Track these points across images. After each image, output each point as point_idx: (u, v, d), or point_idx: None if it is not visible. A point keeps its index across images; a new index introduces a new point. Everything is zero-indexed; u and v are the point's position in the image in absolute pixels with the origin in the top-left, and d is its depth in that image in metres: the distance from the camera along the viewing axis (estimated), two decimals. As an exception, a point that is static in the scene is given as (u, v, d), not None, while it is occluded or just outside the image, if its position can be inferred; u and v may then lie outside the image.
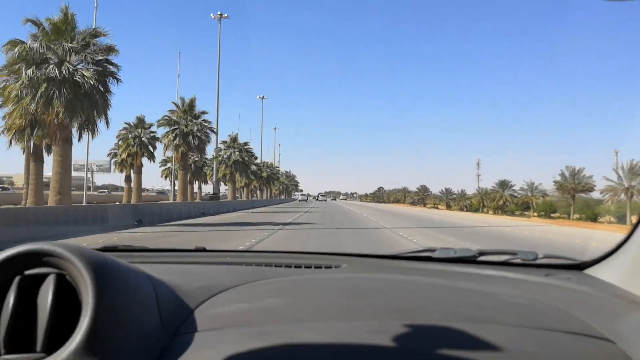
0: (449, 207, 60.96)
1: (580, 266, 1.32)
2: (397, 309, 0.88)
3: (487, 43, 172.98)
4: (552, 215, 34.09)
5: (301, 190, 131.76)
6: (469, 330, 0.77)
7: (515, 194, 45.08)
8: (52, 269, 0.72)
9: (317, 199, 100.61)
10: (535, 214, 36.52)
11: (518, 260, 1.39)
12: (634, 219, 1.14)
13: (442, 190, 69.69)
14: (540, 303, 0.95)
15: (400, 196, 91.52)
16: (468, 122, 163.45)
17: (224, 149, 45.61)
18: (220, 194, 50.43)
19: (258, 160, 57.04)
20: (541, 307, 0.93)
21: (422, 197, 77.80)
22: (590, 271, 1.28)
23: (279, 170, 64.28)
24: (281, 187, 74.69)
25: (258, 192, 63.77)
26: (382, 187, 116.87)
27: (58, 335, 0.67)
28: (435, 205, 67.18)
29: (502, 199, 46.31)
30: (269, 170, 58.46)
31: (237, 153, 46.48)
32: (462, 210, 52.47)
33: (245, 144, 49.18)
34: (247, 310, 0.87)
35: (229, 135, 49.81)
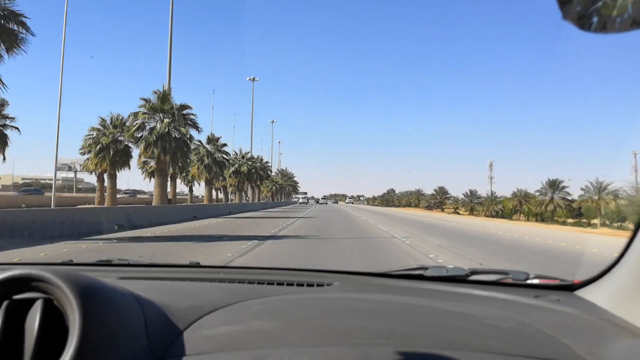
0: (472, 211, 57.01)
1: (571, 287, 1.38)
2: (385, 334, 0.94)
3: (494, 42, 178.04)
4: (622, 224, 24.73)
5: (305, 193, 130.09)
6: (455, 357, 0.81)
7: (568, 197, 35.47)
8: (40, 293, 0.77)
9: (318, 202, 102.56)
10: (597, 221, 26.81)
11: (509, 280, 1.45)
12: (627, 237, 1.14)
13: (466, 193, 58.52)
14: (526, 327, 1.02)
15: (414, 199, 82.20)
16: (480, 122, 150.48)
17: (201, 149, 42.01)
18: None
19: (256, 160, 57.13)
20: (528, 331, 0.99)
21: (440, 200, 68.12)
22: (580, 292, 1.33)
23: (269, 166, 53.82)
24: (274, 188, 67.78)
25: (246, 193, 61.78)
26: (392, 189, 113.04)
27: (46, 359, 0.70)
28: (456, 210, 63.26)
29: (552, 204, 36.17)
30: (249, 163, 49.35)
31: (206, 149, 42.28)
32: (491, 216, 47.83)
33: (218, 139, 45.60)
34: (238, 332, 0.91)
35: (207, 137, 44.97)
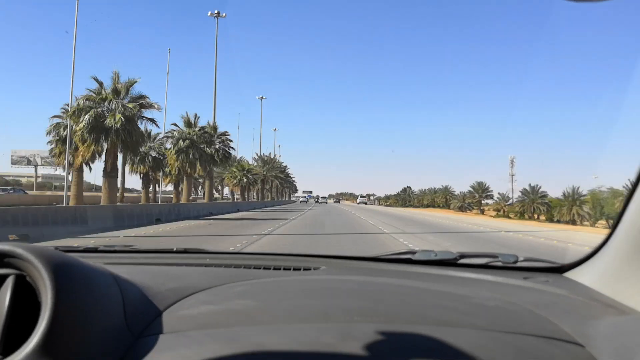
0: (532, 216, 44.50)
1: (560, 269, 1.47)
2: (369, 312, 0.99)
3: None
4: None
5: (310, 192, 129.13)
6: (437, 334, 0.85)
7: None
8: (12, 270, 0.78)
9: (317, 201, 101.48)
10: None
11: (498, 263, 1.54)
12: (612, 221, 1.26)
13: (525, 189, 47.96)
14: (513, 305, 1.08)
15: (440, 198, 63.95)
16: (499, 117, 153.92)
17: (177, 132, 35.42)
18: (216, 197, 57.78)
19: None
20: (514, 310, 1.06)
21: (478, 199, 50.40)
22: (569, 274, 1.43)
23: (229, 142, 40.36)
24: (245, 179, 56.86)
25: (250, 193, 59.98)
26: (408, 187, 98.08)
27: (18, 337, 0.72)
28: (506, 214, 49.18)
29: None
30: (222, 144, 38.26)
31: (188, 140, 34.29)
32: (572, 223, 35.76)
33: (202, 128, 36.91)
34: (216, 312, 0.96)
35: (182, 117, 37.34)
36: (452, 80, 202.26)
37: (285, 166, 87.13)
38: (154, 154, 39.18)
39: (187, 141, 34.37)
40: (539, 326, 0.94)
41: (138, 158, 37.06)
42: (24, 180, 76.62)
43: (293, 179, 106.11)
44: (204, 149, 35.24)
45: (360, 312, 0.98)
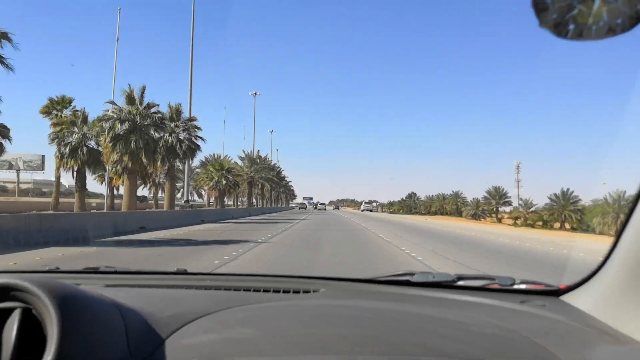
0: (562, 225, 39.57)
1: (557, 292, 1.51)
2: (368, 341, 1.04)
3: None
4: None
5: (310, 198, 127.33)
6: None
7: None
8: (18, 303, 0.82)
9: (316, 208, 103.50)
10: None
11: (496, 286, 1.59)
12: (610, 244, 1.29)
13: (555, 195, 31.22)
14: (510, 333, 1.14)
15: (450, 205, 55.73)
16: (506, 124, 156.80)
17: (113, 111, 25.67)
18: (192, 202, 47.96)
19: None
20: (511, 337, 1.11)
21: (494, 206, 41.80)
22: (566, 298, 1.46)
23: (195, 129, 29.10)
24: (224, 182, 44.25)
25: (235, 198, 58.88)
26: (414, 193, 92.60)
27: None
28: (530, 223, 43.29)
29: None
30: (187, 132, 28.31)
31: (129, 122, 25.00)
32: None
33: (149, 105, 26.72)
34: (218, 341, 1.01)
35: (124, 91, 26.57)
36: (458, 83, 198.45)
37: (280, 168, 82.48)
38: (92, 143, 29.69)
39: (128, 123, 24.94)
40: (536, 355, 0.98)
41: (68, 149, 28.80)
42: (10, 186, 71.89)
43: (289, 182, 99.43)
44: (154, 135, 26.11)
45: (359, 341, 1.02)
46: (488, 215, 56.61)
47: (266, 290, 1.57)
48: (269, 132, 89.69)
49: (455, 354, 0.97)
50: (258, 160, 62.05)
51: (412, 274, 1.63)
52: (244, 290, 1.57)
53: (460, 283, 1.56)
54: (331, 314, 1.25)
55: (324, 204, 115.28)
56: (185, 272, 1.86)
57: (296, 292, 1.56)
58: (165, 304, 1.16)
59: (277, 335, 1.03)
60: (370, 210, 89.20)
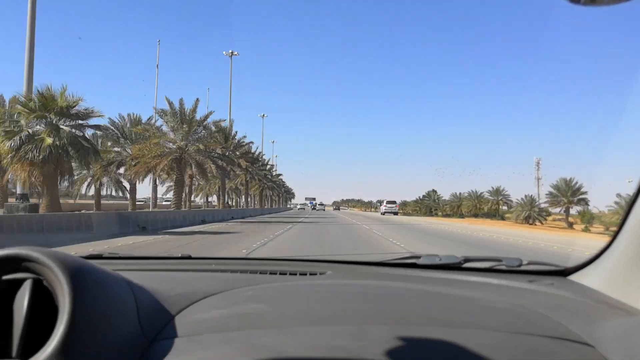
0: None
1: (564, 272, 1.54)
2: (378, 315, 1.08)
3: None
4: None
5: (313, 199, 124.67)
6: (448, 335, 0.93)
7: None
8: (29, 274, 0.85)
9: (314, 208, 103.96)
10: None
11: (503, 267, 1.62)
12: (615, 227, 1.40)
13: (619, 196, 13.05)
14: (521, 308, 1.18)
15: (490, 206, 36.19)
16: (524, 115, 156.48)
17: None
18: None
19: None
20: (522, 312, 1.15)
21: (565, 205, 21.56)
22: (573, 277, 1.50)
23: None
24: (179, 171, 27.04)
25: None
26: (434, 191, 77.42)
27: (35, 340, 0.79)
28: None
29: None
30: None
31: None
32: None
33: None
34: (228, 316, 1.05)
35: None
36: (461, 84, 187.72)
37: (263, 155, 70.11)
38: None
39: None
40: (549, 327, 1.02)
41: None
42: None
43: (279, 176, 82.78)
44: None
45: (370, 314, 1.07)
46: (545, 218, 40.69)
47: (272, 273, 1.62)
48: (271, 142, 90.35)
49: (467, 324, 1.00)
50: (194, 120, 31.67)
51: (418, 257, 1.70)
52: (250, 272, 1.63)
53: (467, 265, 1.62)
54: (339, 292, 1.30)
55: (323, 204, 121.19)
56: (189, 257, 1.95)
57: (302, 274, 1.61)
58: (173, 284, 1.20)
59: (287, 310, 1.07)
60: (395, 213, 65.05)
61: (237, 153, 44.54)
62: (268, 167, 70.38)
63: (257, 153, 57.85)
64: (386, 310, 1.07)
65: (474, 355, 0.81)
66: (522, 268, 1.56)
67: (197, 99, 31.67)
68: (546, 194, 45.10)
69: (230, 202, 61.28)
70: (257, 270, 1.62)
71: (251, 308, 1.05)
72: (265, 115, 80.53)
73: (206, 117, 32.26)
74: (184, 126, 30.13)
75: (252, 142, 51.68)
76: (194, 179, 34.69)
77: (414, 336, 0.89)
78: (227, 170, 38.60)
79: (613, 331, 0.99)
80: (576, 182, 42.35)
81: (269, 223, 29.34)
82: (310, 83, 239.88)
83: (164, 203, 51.25)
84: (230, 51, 54.14)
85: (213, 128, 35.08)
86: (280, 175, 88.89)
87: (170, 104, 30.65)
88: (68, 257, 0.83)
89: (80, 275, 0.78)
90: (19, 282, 0.81)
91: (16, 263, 0.81)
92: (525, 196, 46.58)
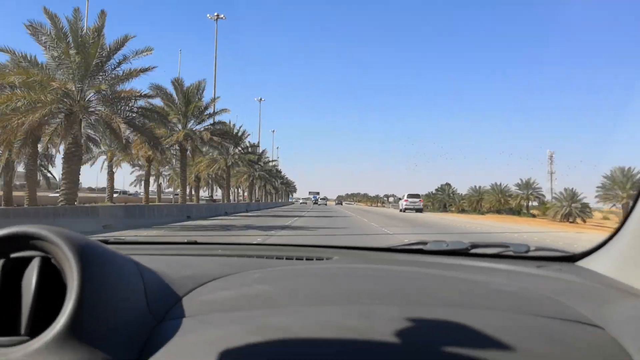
0: None
1: (572, 258, 1.59)
2: (387, 296, 1.13)
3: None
4: None
5: (317, 193, 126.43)
6: (458, 316, 0.97)
7: None
8: (38, 252, 0.87)
9: (315, 203, 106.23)
10: None
11: (510, 253, 1.68)
12: (624, 214, 1.51)
13: None
14: (531, 291, 1.24)
15: (518, 202, 26.50)
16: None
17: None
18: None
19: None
20: (532, 294, 1.21)
21: (625, 200, 10.79)
22: (581, 263, 1.55)
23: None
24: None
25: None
26: (448, 185, 70.39)
27: (43, 318, 0.82)
28: None
29: None
30: None
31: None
32: None
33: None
34: (235, 297, 1.10)
35: None
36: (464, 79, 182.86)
37: (266, 155, 56.70)
38: None
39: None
40: (559, 310, 1.05)
41: None
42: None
43: (273, 164, 74.42)
44: None
45: (379, 296, 1.11)
46: (588, 215, 32.93)
47: (279, 258, 1.71)
48: (271, 131, 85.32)
49: (477, 306, 1.04)
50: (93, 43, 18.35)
51: (425, 243, 1.76)
52: (257, 257, 1.72)
53: (475, 251, 1.66)
54: (348, 274, 1.36)
55: (325, 198, 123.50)
56: (195, 242, 2.01)
57: (309, 259, 1.70)
58: (179, 267, 1.25)
59: (296, 291, 1.11)
60: (420, 210, 50.54)
61: (206, 124, 32.24)
62: (259, 152, 58.67)
63: (241, 132, 44.68)
64: (395, 292, 1.11)
65: (484, 336, 0.83)
66: (530, 254, 1.61)
67: (103, 11, 18.17)
68: (597, 187, 37.30)
69: (214, 195, 51.81)
70: (263, 255, 1.69)
71: (259, 289, 1.08)
72: (262, 99, 75.51)
73: (121, 43, 18.80)
74: (76, 55, 17.52)
75: (227, 110, 34.51)
76: (108, 149, 23.25)
77: (424, 317, 0.92)
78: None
79: (623, 314, 1.03)
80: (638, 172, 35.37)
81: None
82: (319, 82, 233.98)
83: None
84: (215, 14, 48.45)
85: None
86: (274, 162, 79.34)
87: (52, 17, 17.64)
88: (77, 235, 0.85)
89: (88, 254, 0.80)
90: (27, 260, 0.83)
91: (25, 241, 0.82)
92: (565, 189, 39.14)
